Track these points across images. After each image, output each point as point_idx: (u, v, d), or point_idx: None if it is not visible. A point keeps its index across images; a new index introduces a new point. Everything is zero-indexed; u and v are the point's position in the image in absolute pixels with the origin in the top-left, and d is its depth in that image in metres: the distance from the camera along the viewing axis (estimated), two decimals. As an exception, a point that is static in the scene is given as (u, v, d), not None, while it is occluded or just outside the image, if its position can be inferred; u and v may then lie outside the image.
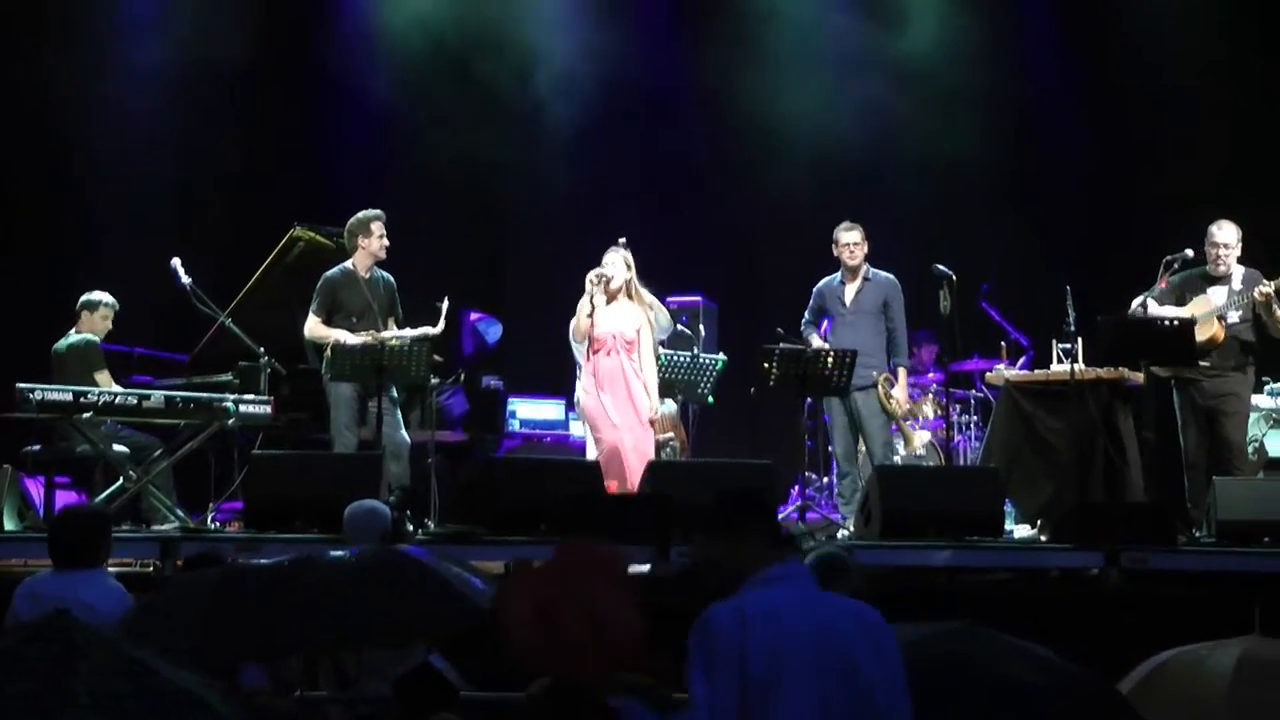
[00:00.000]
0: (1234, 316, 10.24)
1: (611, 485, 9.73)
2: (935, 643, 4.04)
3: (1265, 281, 10.10)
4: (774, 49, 14.66)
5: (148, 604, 5.21)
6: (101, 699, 3.07)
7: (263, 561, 5.33)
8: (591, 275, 10.29)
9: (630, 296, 10.46)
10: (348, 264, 10.37)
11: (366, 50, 14.41)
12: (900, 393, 10.80)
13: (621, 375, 10.32)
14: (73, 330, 10.55)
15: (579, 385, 10.52)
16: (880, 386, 10.63)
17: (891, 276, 10.89)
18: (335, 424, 10.07)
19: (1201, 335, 10.08)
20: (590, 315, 10.24)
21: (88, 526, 6.48)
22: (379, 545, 6.36)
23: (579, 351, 10.47)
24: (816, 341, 10.89)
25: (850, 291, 10.86)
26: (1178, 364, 10.18)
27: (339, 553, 5.22)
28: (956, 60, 14.35)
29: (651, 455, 10.26)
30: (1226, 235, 10.30)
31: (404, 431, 10.14)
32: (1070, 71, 14.55)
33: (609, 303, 10.38)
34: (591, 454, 10.43)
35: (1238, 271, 10.29)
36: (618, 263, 10.41)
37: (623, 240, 10.48)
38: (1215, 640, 4.37)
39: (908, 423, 11.32)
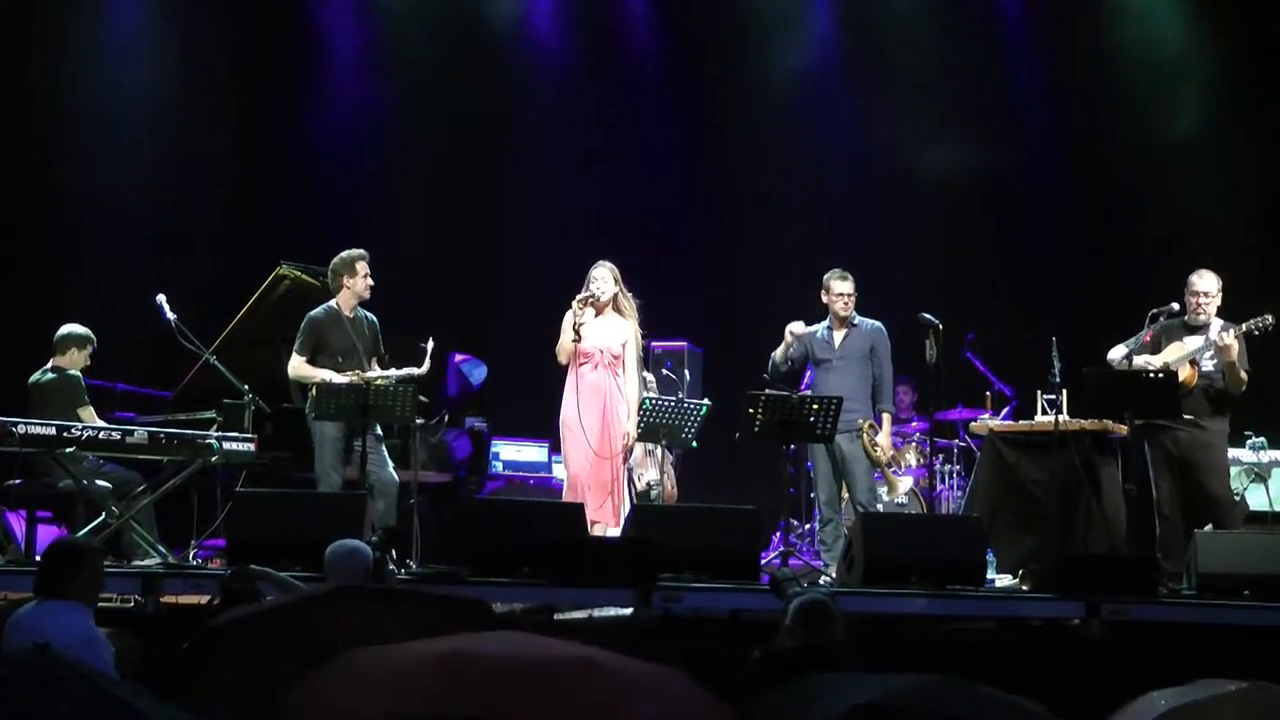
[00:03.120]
0: (1209, 365, 10.21)
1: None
2: (916, 696, 4.02)
3: (1227, 333, 10.08)
4: (762, 100, 14.75)
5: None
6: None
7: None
8: (577, 300, 10.31)
9: (619, 310, 10.49)
10: (332, 303, 10.35)
11: (351, 90, 14.46)
12: (884, 439, 10.79)
13: (606, 394, 10.34)
14: (50, 363, 10.51)
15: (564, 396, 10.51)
16: (864, 433, 10.63)
17: (878, 323, 10.89)
18: (320, 463, 10.04)
19: (1184, 376, 10.10)
20: (575, 340, 10.26)
21: (58, 559, 6.47)
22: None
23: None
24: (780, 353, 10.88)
25: (838, 338, 10.87)
26: (1163, 416, 10.17)
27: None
28: (943, 110, 14.44)
29: (619, 485, 10.29)
30: (1206, 284, 10.28)
31: (391, 470, 10.11)
32: (1058, 120, 14.65)
33: (597, 315, 10.41)
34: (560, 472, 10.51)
35: (1216, 323, 10.26)
36: (605, 277, 10.44)
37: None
38: (1206, 682, 4.33)
39: (891, 469, 11.31)
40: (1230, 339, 10.01)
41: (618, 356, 10.41)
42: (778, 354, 10.91)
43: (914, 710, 3.98)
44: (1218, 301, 10.29)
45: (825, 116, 14.71)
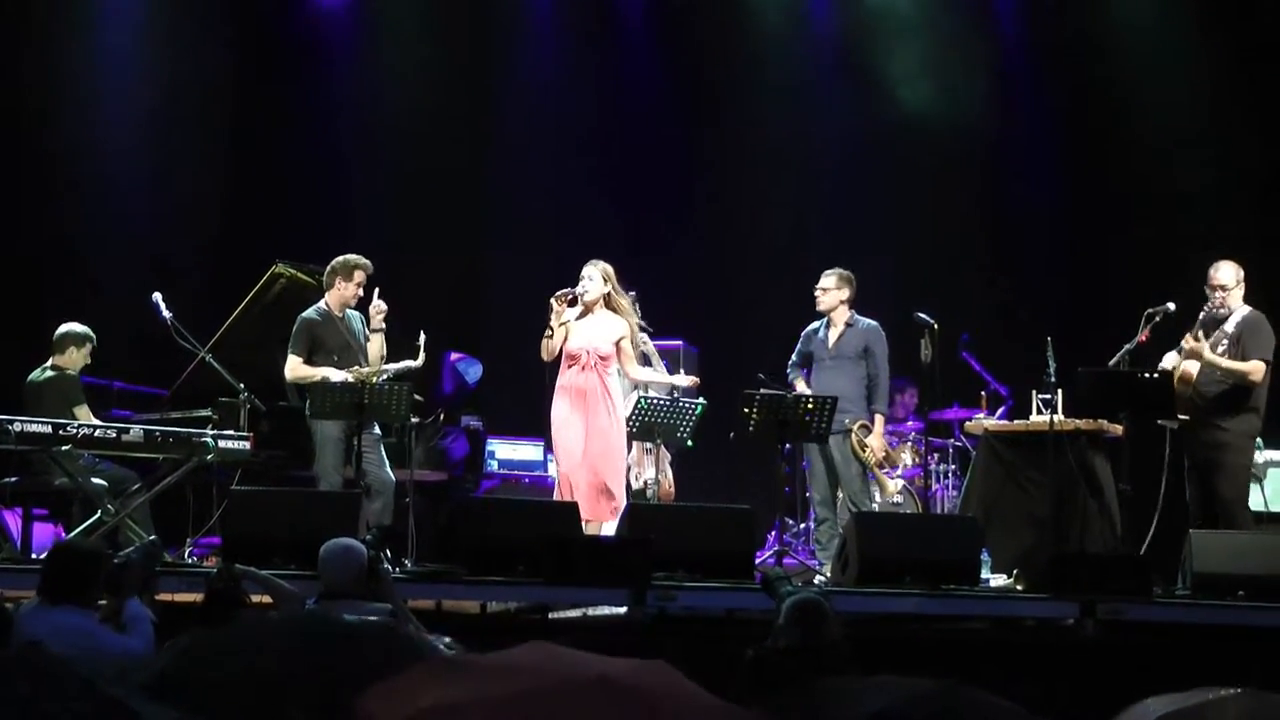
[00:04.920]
0: (1224, 360, 10.07)
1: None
2: (928, 704, 4.02)
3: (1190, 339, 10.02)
4: (758, 99, 14.75)
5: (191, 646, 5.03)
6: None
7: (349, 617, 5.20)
8: (555, 297, 10.28)
9: (612, 309, 10.44)
10: (321, 304, 10.36)
11: (347, 88, 14.46)
12: (875, 440, 10.77)
13: (593, 395, 10.29)
14: (49, 362, 10.52)
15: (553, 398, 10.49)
16: (854, 433, 10.63)
17: (874, 323, 10.89)
18: (321, 464, 10.02)
19: (1180, 372, 10.07)
20: (550, 337, 10.21)
21: (74, 564, 6.42)
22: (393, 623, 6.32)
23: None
24: (801, 386, 10.88)
25: (832, 336, 10.87)
26: (1157, 416, 10.16)
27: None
28: (937, 109, 14.43)
29: (612, 484, 10.26)
30: (1222, 276, 10.16)
31: (388, 469, 10.11)
32: (1052, 120, 14.65)
33: (583, 316, 10.37)
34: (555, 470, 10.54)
35: (1240, 312, 10.15)
36: (594, 275, 10.38)
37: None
38: (1203, 689, 4.31)
39: (883, 470, 11.29)
40: (1191, 342, 9.97)
41: (605, 357, 10.33)
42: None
43: (920, 716, 3.98)
44: (1238, 292, 10.17)
45: (820, 114, 14.71)
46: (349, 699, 3.50)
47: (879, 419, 10.80)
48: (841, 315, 10.87)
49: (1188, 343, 10.00)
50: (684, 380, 11.00)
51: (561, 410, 10.26)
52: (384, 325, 10.26)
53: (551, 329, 10.20)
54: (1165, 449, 10.34)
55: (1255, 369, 10.03)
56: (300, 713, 4.60)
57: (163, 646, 5.79)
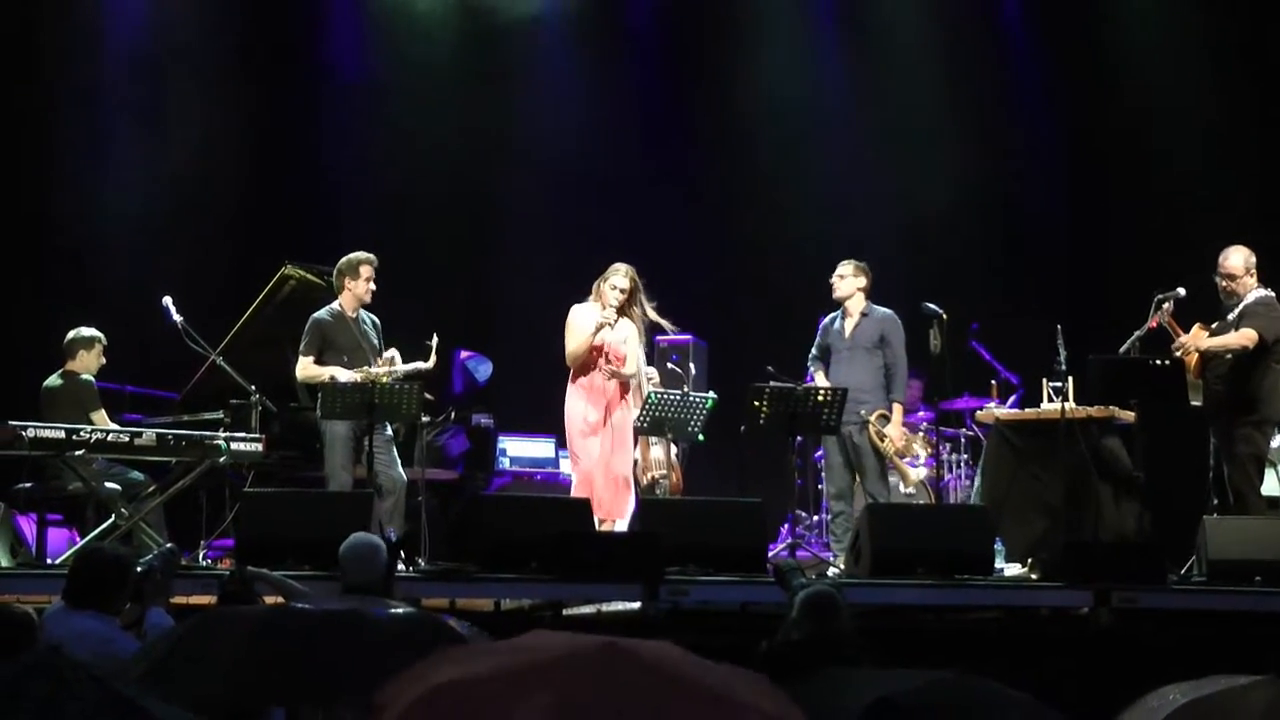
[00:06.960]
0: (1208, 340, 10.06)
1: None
2: (929, 693, 4.03)
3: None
4: (766, 94, 14.77)
5: (178, 638, 5.10)
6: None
7: (308, 607, 5.24)
8: (602, 315, 10.30)
9: (631, 308, 10.48)
10: (334, 304, 10.37)
11: (358, 86, 14.47)
12: (894, 430, 10.72)
13: (612, 393, 10.38)
14: (64, 367, 10.54)
15: (568, 397, 10.53)
16: (872, 423, 10.61)
17: (890, 312, 10.82)
18: (330, 463, 10.03)
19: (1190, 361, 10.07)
20: (602, 361, 10.30)
21: (103, 570, 6.42)
22: (420, 609, 6.32)
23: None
24: (821, 378, 10.84)
25: (848, 326, 10.84)
26: (1169, 402, 10.13)
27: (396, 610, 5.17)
28: (945, 100, 14.44)
29: (626, 476, 10.34)
30: (1230, 263, 10.10)
31: (399, 468, 10.12)
32: (1062, 107, 14.66)
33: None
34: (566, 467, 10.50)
35: (1250, 296, 10.08)
36: (625, 285, 10.40)
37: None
38: (1217, 677, 4.28)
39: (904, 460, 11.26)
40: (1190, 342, 9.98)
41: (621, 357, 10.42)
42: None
43: (932, 705, 4.00)
44: (1249, 280, 10.09)
45: (827, 108, 14.72)
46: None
47: (898, 408, 10.74)
48: (857, 305, 10.83)
49: (1184, 338, 10.01)
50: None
51: (581, 408, 10.30)
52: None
53: (596, 328, 10.23)
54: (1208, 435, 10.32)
55: (1243, 336, 9.94)
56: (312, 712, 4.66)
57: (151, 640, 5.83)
